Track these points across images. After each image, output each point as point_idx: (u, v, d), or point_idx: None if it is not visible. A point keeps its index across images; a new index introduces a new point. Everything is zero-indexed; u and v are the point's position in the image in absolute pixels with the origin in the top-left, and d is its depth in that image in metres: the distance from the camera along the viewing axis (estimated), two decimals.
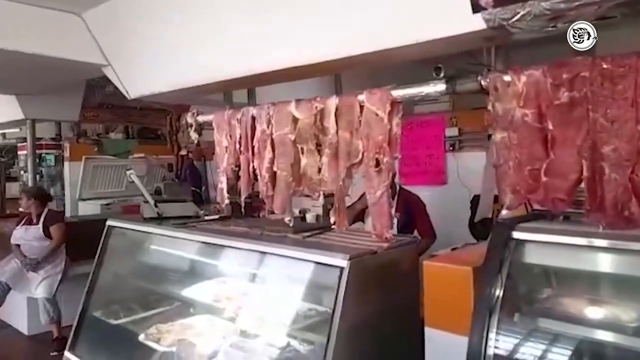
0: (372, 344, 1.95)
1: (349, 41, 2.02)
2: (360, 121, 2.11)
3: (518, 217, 1.75)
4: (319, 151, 2.25)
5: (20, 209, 4.46)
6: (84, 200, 5.90)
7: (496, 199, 3.30)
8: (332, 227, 2.28)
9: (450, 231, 3.51)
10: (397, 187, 3.49)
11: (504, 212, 1.91)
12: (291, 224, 2.40)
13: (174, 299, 2.79)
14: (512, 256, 1.59)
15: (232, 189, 2.71)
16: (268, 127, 2.41)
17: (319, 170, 2.24)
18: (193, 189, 4.76)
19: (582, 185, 1.52)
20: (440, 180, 4.71)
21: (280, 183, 2.38)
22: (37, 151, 5.55)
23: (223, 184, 2.63)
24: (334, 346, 1.75)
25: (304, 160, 2.29)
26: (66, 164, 6.10)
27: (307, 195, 2.42)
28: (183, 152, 2.91)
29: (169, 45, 2.70)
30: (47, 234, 4.09)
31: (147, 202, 3.07)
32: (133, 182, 3.12)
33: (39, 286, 4.01)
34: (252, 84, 2.98)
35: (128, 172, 3.16)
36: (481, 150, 4.08)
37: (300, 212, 4.30)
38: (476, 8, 1.60)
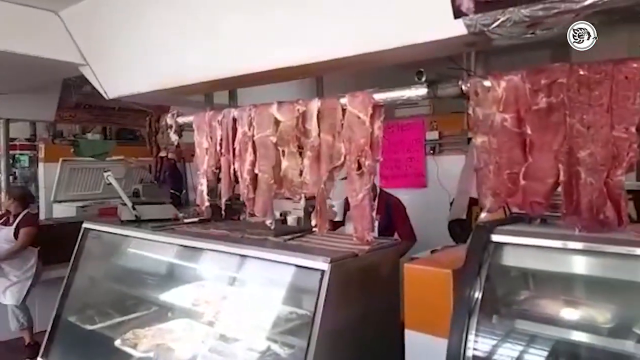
0: (353, 347, 1.95)
1: (333, 44, 2.02)
2: (342, 124, 2.11)
3: (497, 220, 1.77)
4: (300, 154, 2.24)
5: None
6: (59, 202, 5.76)
7: (472, 201, 3.36)
8: (314, 229, 2.27)
9: (430, 233, 3.54)
10: (378, 189, 3.50)
11: (482, 215, 1.94)
12: (272, 227, 2.38)
13: (152, 303, 2.74)
14: (491, 259, 1.60)
15: (213, 192, 2.69)
16: (249, 129, 2.39)
17: (301, 172, 2.23)
18: (172, 191, 4.69)
19: (559, 189, 1.55)
20: (421, 183, 4.76)
21: (261, 185, 2.37)
22: (11, 152, 5.40)
23: (203, 186, 2.60)
24: (315, 350, 1.74)
25: (285, 163, 2.28)
26: (41, 165, 5.94)
27: (289, 198, 2.41)
28: (162, 154, 2.86)
29: (150, 45, 2.66)
30: (17, 236, 3.97)
31: (124, 204, 3.02)
32: (110, 184, 3.06)
33: (7, 292, 3.89)
34: (234, 86, 2.96)
35: (105, 174, 3.10)
36: (460, 154, 4.15)
37: (281, 214, 4.28)
38: (457, 14, 1.62)
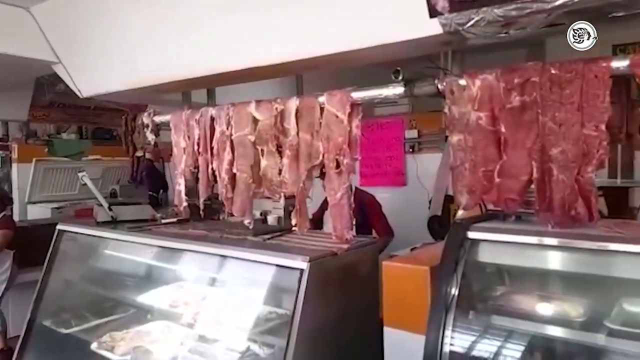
0: (333, 346, 1.96)
1: (311, 43, 2.01)
2: (320, 123, 2.11)
3: (473, 218, 1.79)
4: (279, 152, 2.23)
5: None
6: (34, 203, 5.62)
7: (449, 198, 3.41)
8: (293, 229, 2.27)
9: (410, 231, 3.57)
10: (353, 188, 3.52)
11: (460, 212, 1.97)
12: (251, 227, 2.37)
13: (130, 305, 2.70)
14: (467, 255, 1.63)
15: (193, 192, 2.66)
16: (227, 128, 2.37)
17: (280, 171, 2.23)
18: (150, 193, 4.63)
19: (533, 186, 1.58)
20: (400, 181, 4.79)
21: (240, 185, 2.35)
22: None
23: (181, 186, 2.56)
24: (294, 349, 1.74)
25: (264, 162, 2.27)
26: (14, 165, 5.79)
27: (268, 197, 2.39)
28: (139, 154, 2.82)
29: (124, 42, 2.61)
30: None
31: (100, 205, 2.96)
32: (85, 184, 3.00)
33: None
34: (211, 84, 2.93)
35: (80, 175, 3.04)
36: (439, 152, 4.19)
37: (261, 214, 4.27)
38: (433, 13, 1.63)
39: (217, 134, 2.41)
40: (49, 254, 2.96)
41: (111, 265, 2.90)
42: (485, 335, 1.62)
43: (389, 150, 4.83)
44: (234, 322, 2.21)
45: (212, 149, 2.44)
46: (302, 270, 1.84)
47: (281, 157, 2.22)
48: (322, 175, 2.23)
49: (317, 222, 3.54)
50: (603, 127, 1.47)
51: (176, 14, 2.36)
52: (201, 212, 2.57)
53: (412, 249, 2.71)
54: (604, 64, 1.46)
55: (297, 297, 1.81)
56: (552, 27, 1.64)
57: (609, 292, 1.54)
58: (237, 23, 2.19)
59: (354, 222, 2.15)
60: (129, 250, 2.71)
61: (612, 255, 1.45)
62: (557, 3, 1.43)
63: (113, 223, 2.88)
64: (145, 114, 2.76)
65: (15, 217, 5.38)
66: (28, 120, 5.51)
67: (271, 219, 4.20)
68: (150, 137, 2.74)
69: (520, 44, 3.96)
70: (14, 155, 5.77)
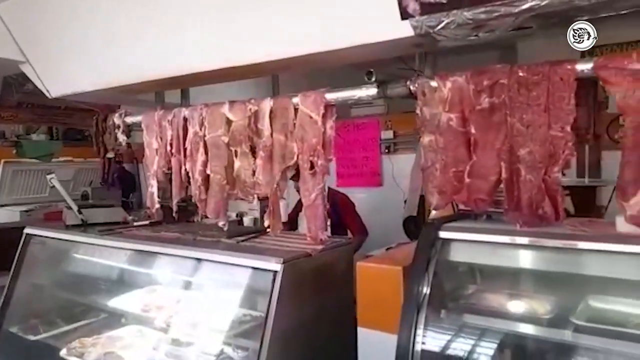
0: (307, 347, 1.95)
1: (283, 43, 2.01)
2: (294, 124, 2.10)
3: (445, 217, 1.82)
4: (253, 154, 2.22)
5: None
6: (2, 206, 5.44)
7: (423, 198, 3.45)
8: (268, 230, 2.26)
9: (387, 231, 3.61)
10: (326, 188, 3.53)
11: (433, 212, 1.99)
12: (225, 228, 2.35)
13: (101, 310, 2.64)
14: (439, 255, 1.64)
15: (167, 193, 2.61)
16: (201, 129, 2.35)
17: (253, 173, 2.21)
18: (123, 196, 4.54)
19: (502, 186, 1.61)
20: (376, 181, 4.83)
21: (213, 186, 2.33)
22: None
23: (153, 188, 2.53)
24: (267, 351, 1.72)
25: (237, 163, 2.25)
26: None
27: (242, 199, 2.38)
28: (110, 155, 2.76)
29: (94, 41, 2.55)
30: None
31: (70, 208, 2.89)
32: (54, 187, 2.92)
33: None
34: (184, 84, 2.89)
35: (49, 177, 2.95)
36: (414, 153, 4.23)
37: (237, 215, 4.23)
38: (404, 15, 1.64)
39: (190, 135, 2.39)
40: (16, 259, 2.87)
41: (81, 269, 2.83)
42: (457, 334, 1.64)
43: (365, 150, 4.87)
44: (208, 326, 2.18)
45: (185, 150, 2.41)
46: (275, 272, 1.83)
47: (255, 158, 2.21)
48: (296, 176, 2.22)
49: (291, 223, 3.54)
50: (568, 128, 1.51)
51: (148, 13, 2.32)
52: (174, 214, 2.54)
53: (387, 249, 2.73)
54: (569, 67, 1.49)
55: (270, 299, 1.79)
56: (520, 30, 1.68)
57: (574, 289, 1.58)
58: (210, 23, 2.16)
59: (328, 223, 2.16)
60: (99, 254, 2.64)
61: (577, 253, 1.48)
62: (524, 7, 1.46)
63: (83, 226, 2.81)
64: (117, 114, 2.71)
65: None
66: None
67: (247, 221, 4.16)
68: (122, 138, 2.69)
69: (493, 46, 4.03)
70: None
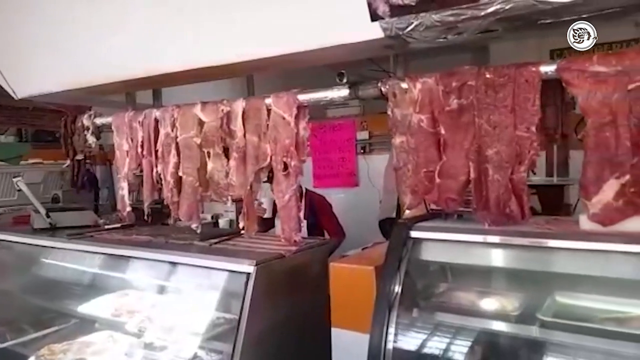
0: (281, 349, 1.94)
1: (255, 44, 1.99)
2: (267, 125, 2.10)
3: (416, 217, 1.84)
4: (226, 155, 2.21)
5: None
6: None
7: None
8: (242, 232, 2.24)
9: (363, 231, 3.62)
10: (304, 189, 3.53)
11: (407, 212, 2.01)
12: (199, 231, 2.32)
13: (71, 316, 2.57)
14: (410, 254, 1.66)
15: (141, 195, 2.57)
16: (172, 130, 2.32)
17: (227, 174, 2.20)
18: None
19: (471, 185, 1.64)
20: (353, 182, 4.85)
21: (186, 188, 2.31)
22: None
23: (124, 191, 2.48)
24: (240, 355, 1.71)
25: (210, 165, 2.23)
26: None
27: (215, 201, 2.36)
28: (79, 157, 2.70)
29: (61, 40, 2.48)
30: None
31: (37, 211, 2.81)
32: (21, 190, 2.84)
33: None
34: (156, 85, 2.84)
35: (15, 180, 2.88)
36: (390, 153, 4.26)
37: (212, 217, 4.19)
38: (374, 17, 1.66)
39: (161, 136, 2.36)
40: None
41: (50, 274, 2.76)
42: (428, 332, 1.66)
43: (341, 151, 4.88)
44: (181, 329, 2.15)
45: (156, 151, 2.38)
46: (248, 274, 1.82)
47: (228, 159, 2.19)
48: (270, 178, 2.22)
49: (268, 224, 3.52)
50: (534, 128, 1.55)
51: (116, 12, 2.28)
52: (146, 216, 2.50)
53: (363, 249, 2.75)
54: (533, 69, 1.53)
55: (243, 301, 1.78)
56: (487, 32, 1.71)
57: (541, 286, 1.61)
58: (181, 23, 2.13)
59: (302, 224, 2.15)
60: (69, 258, 2.58)
61: (543, 251, 1.52)
62: (489, 10, 1.49)
63: (51, 230, 2.74)
64: (86, 115, 2.66)
65: None
66: None
67: (223, 222, 4.13)
68: (91, 140, 2.64)
69: (465, 48, 4.10)
70: None
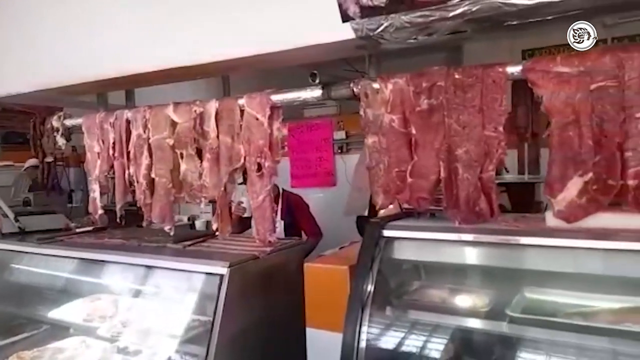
0: (257, 351, 1.94)
1: (228, 45, 1.98)
2: (241, 125, 2.09)
3: (389, 216, 1.85)
4: (199, 156, 2.19)
5: None
6: None
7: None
8: (216, 234, 2.23)
9: (341, 230, 3.63)
10: (280, 189, 3.53)
11: (382, 211, 2.02)
12: (172, 233, 2.30)
13: (41, 322, 2.51)
14: (383, 253, 1.68)
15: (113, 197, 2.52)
16: (144, 131, 2.29)
17: (200, 175, 2.18)
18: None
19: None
20: (330, 181, 4.87)
21: (159, 190, 2.28)
22: None
23: (95, 193, 2.44)
24: (214, 356, 1.70)
25: (183, 166, 2.21)
26: None
27: (189, 202, 2.33)
28: (49, 159, 2.64)
29: (29, 40, 2.43)
30: None
31: (6, 215, 2.74)
32: None
33: None
34: (129, 85, 2.80)
35: None
36: (362, 152, 4.29)
37: (189, 218, 4.15)
38: (345, 18, 1.67)
39: (133, 138, 2.32)
40: None
41: (20, 280, 2.69)
42: (400, 329, 1.68)
43: (319, 151, 4.89)
44: (155, 333, 2.12)
45: (128, 153, 2.34)
46: (222, 276, 1.81)
47: (201, 160, 2.17)
48: (245, 179, 2.20)
49: (247, 223, 3.50)
50: (501, 128, 1.58)
51: (86, 11, 2.24)
52: (119, 219, 2.46)
53: (340, 248, 2.75)
54: (500, 70, 1.56)
55: (217, 303, 1.77)
56: (456, 33, 1.73)
57: (510, 283, 1.65)
58: (153, 23, 2.11)
59: (277, 225, 2.15)
60: (39, 263, 2.52)
61: (511, 248, 1.55)
62: (457, 12, 1.51)
63: (20, 234, 2.67)
64: (55, 117, 2.60)
65: None
66: None
67: (199, 224, 4.10)
68: (61, 141, 2.58)
69: (439, 48, 4.15)
70: None
